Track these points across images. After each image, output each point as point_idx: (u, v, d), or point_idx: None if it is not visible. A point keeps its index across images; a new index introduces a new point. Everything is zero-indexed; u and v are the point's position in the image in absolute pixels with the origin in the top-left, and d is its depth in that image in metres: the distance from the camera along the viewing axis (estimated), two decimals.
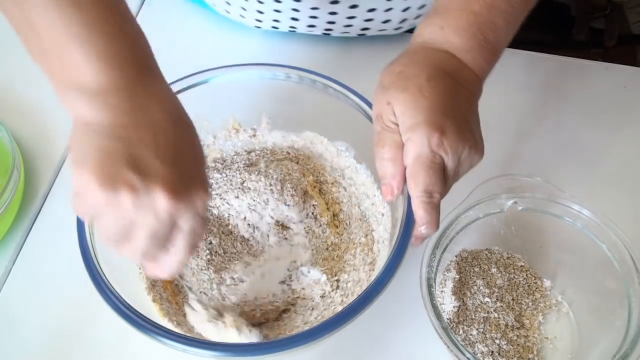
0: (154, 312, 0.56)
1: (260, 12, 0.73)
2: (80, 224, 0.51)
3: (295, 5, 0.70)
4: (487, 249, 0.63)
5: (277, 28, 0.76)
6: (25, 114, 0.76)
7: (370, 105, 0.57)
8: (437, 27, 0.52)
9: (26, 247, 0.67)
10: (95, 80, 0.39)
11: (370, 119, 0.56)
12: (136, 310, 0.48)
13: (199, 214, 0.41)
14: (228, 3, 0.74)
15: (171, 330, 0.48)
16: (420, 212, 0.48)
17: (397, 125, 0.49)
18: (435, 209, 0.49)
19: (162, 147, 0.39)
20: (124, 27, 0.42)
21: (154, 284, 0.58)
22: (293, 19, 0.73)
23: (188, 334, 0.52)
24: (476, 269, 0.61)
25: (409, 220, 0.50)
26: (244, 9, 0.74)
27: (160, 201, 0.38)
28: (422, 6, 0.72)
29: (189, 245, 0.42)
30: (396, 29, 0.75)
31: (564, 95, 0.77)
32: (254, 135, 0.66)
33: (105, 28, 0.40)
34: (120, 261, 0.52)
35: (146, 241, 0.40)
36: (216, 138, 0.65)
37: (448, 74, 0.50)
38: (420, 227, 0.49)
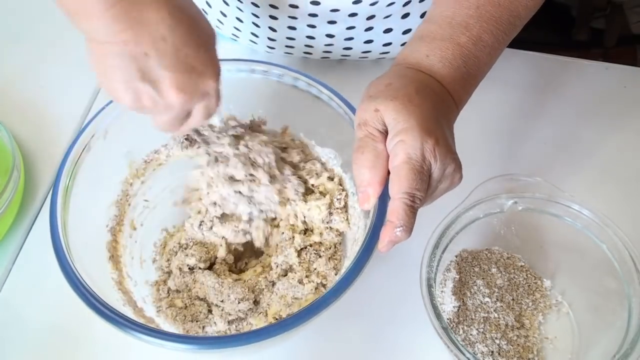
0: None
1: (272, 40, 0.74)
2: (53, 228, 0.54)
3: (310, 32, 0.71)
4: (487, 249, 0.63)
5: (291, 54, 0.77)
6: (25, 114, 0.76)
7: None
8: (422, 54, 0.52)
9: (26, 247, 0.67)
10: (96, 7, 0.44)
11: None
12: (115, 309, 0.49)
13: (209, 94, 0.49)
14: (238, 29, 0.75)
15: (146, 325, 0.49)
16: (400, 212, 0.46)
17: (382, 133, 0.49)
18: (414, 213, 0.47)
19: (163, 54, 0.45)
20: None
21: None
22: (306, 45, 0.74)
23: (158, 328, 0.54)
24: (476, 269, 0.61)
25: (378, 222, 0.51)
26: (255, 34, 0.75)
27: (173, 100, 0.47)
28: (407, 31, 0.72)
29: (204, 116, 0.50)
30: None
31: (564, 95, 0.77)
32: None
33: None
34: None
35: (168, 124, 0.50)
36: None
37: (434, 91, 0.50)
38: (397, 229, 0.47)
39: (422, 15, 0.69)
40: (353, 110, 0.57)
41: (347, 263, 0.57)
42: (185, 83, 0.46)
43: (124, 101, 0.47)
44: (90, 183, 0.57)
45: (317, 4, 0.64)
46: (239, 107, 0.63)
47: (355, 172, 0.50)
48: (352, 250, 0.57)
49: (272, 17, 0.68)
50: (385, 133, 0.49)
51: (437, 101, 0.50)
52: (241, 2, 0.68)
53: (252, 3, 0.67)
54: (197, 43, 0.47)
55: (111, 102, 0.58)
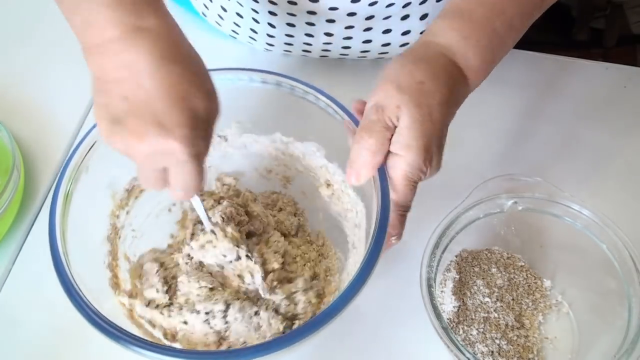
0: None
1: (271, 37, 0.74)
2: (51, 231, 0.53)
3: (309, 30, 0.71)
4: (487, 249, 0.63)
5: (290, 52, 0.77)
6: (25, 114, 0.76)
7: (339, 106, 0.57)
8: (460, 35, 0.52)
9: (26, 247, 0.67)
10: (91, 39, 0.45)
11: (335, 117, 0.57)
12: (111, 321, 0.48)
13: (177, 159, 0.45)
14: (238, 25, 0.75)
15: (145, 340, 0.48)
16: (395, 223, 0.52)
17: (393, 126, 0.50)
18: (404, 222, 0.53)
19: (135, 101, 0.43)
20: None
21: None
22: (306, 43, 0.74)
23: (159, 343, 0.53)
24: (476, 269, 0.61)
25: (383, 220, 0.50)
26: (254, 30, 0.74)
27: (136, 152, 0.45)
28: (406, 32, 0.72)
29: (180, 187, 0.47)
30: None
31: (564, 95, 0.77)
32: (226, 141, 0.64)
33: None
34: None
35: (142, 179, 0.48)
36: None
37: (456, 100, 0.53)
38: (392, 238, 0.53)
39: (422, 18, 0.69)
40: (331, 99, 0.58)
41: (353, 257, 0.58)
42: (146, 135, 0.44)
43: (102, 136, 0.46)
44: (80, 222, 0.56)
45: (316, 1, 0.64)
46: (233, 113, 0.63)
47: (355, 149, 0.51)
48: (357, 235, 0.58)
49: (272, 13, 0.68)
50: (394, 127, 0.50)
51: (452, 113, 0.52)
52: None
53: None
54: (178, 99, 0.44)
55: (92, 141, 0.56)
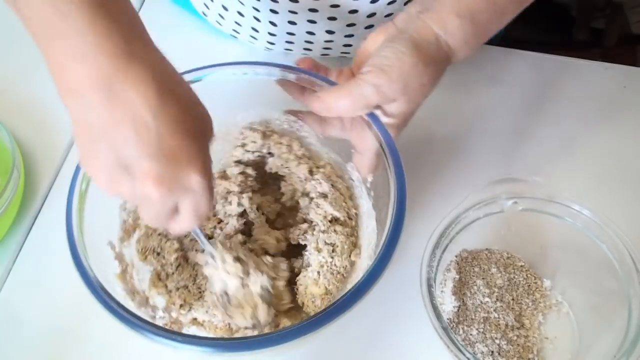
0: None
1: (273, 35, 0.74)
2: (69, 222, 0.51)
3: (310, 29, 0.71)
4: (487, 249, 0.63)
5: (290, 50, 0.77)
6: (25, 114, 0.76)
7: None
8: (464, 40, 0.54)
9: (26, 247, 0.67)
10: (74, 79, 0.40)
11: None
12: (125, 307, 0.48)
13: (194, 190, 0.43)
14: (239, 24, 0.75)
15: (160, 327, 0.47)
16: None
17: (377, 107, 0.54)
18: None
19: (145, 142, 0.40)
20: (105, 5, 0.40)
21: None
22: (307, 42, 0.74)
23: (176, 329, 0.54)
24: (476, 269, 0.61)
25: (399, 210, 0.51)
26: (255, 29, 0.74)
27: (153, 194, 0.42)
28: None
29: (192, 216, 0.45)
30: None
31: (564, 95, 0.77)
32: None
33: (79, 16, 0.39)
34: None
35: (153, 219, 0.46)
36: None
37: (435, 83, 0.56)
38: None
39: None
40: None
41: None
42: (163, 175, 0.41)
43: (102, 186, 0.43)
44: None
45: None
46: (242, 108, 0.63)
47: (335, 93, 0.54)
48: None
49: (273, 11, 0.68)
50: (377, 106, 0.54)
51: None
52: None
53: None
54: (185, 132, 0.42)
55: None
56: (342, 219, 0.60)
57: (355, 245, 0.60)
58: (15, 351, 0.61)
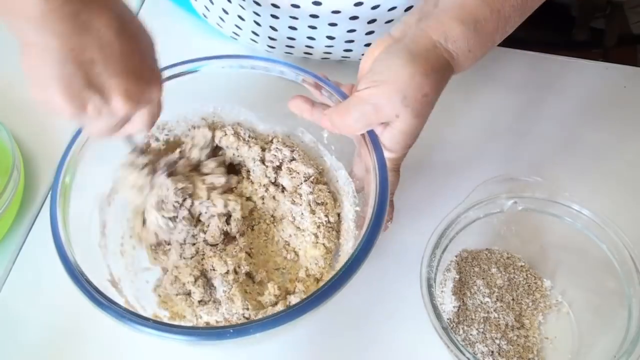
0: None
1: (273, 39, 0.74)
2: (54, 223, 0.55)
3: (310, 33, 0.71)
4: (487, 249, 0.63)
5: (291, 54, 0.77)
6: (25, 114, 0.76)
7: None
8: (467, 48, 0.53)
9: (26, 247, 0.67)
10: (38, 8, 0.42)
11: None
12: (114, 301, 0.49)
13: (154, 102, 0.50)
14: (239, 27, 0.75)
15: (145, 317, 0.48)
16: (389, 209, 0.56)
17: (382, 125, 0.53)
18: (392, 205, 0.60)
19: (111, 61, 0.44)
20: None
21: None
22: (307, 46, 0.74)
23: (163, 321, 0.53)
24: (476, 269, 0.61)
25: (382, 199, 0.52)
26: (255, 33, 0.75)
27: (119, 108, 0.46)
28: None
29: (146, 123, 0.52)
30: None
31: (564, 95, 0.77)
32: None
33: None
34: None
35: (107, 129, 0.50)
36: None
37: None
38: (388, 222, 0.60)
39: None
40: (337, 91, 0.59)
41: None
42: (133, 90, 0.46)
43: (65, 111, 0.46)
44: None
45: (319, 4, 0.64)
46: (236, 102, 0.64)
47: (339, 112, 0.54)
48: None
49: (274, 17, 0.68)
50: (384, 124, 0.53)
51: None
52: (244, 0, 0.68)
53: (254, 2, 0.67)
54: (142, 50, 0.47)
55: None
56: (317, 176, 0.64)
57: (335, 199, 0.64)
58: (15, 351, 0.61)
